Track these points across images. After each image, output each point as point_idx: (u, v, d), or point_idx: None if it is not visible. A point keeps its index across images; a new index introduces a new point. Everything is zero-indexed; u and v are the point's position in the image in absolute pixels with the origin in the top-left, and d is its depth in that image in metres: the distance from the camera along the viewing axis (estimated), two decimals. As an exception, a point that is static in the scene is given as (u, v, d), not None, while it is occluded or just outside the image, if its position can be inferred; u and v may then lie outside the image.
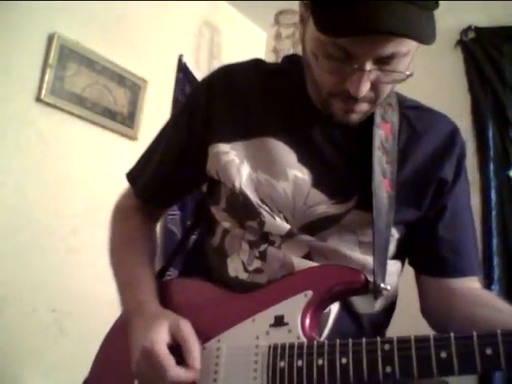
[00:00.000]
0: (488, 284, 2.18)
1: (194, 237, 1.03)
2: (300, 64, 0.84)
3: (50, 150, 2.03)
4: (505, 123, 2.32)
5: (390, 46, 0.68)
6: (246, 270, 0.82)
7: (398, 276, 0.88)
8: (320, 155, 0.82)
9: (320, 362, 0.66)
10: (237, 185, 0.82)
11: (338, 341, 0.66)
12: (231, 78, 0.90)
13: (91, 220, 2.12)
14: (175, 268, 1.05)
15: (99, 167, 2.20)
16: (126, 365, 0.79)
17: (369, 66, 0.69)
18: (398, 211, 0.80)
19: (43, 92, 2.00)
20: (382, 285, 0.75)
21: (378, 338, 0.64)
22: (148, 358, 0.72)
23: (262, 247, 0.81)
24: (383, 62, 0.70)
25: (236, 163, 0.83)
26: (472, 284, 0.85)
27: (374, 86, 0.73)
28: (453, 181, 0.85)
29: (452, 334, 0.60)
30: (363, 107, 0.77)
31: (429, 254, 0.86)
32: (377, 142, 0.81)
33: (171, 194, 1.01)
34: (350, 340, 0.65)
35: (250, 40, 3.21)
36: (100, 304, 2.10)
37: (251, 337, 0.74)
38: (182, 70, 2.63)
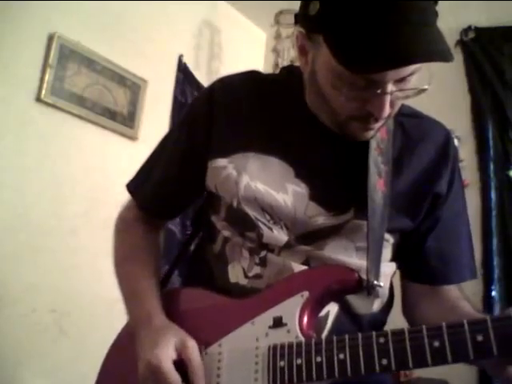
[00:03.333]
0: (488, 284, 2.18)
1: (194, 242, 1.04)
2: (298, 76, 0.86)
3: (50, 150, 2.03)
4: (505, 123, 2.32)
5: (410, 67, 0.71)
6: (246, 276, 0.84)
7: (391, 277, 0.91)
8: (317, 170, 0.84)
9: (318, 359, 0.68)
10: (234, 200, 0.84)
11: (334, 337, 0.68)
12: (230, 91, 0.91)
13: (91, 220, 2.12)
14: (178, 274, 1.05)
15: (99, 167, 2.20)
16: (132, 374, 0.80)
17: (390, 88, 0.72)
18: (393, 220, 0.83)
19: (43, 92, 2.00)
20: (376, 282, 0.77)
21: (373, 332, 0.66)
22: (154, 373, 0.74)
23: (262, 253, 0.83)
24: (402, 81, 0.73)
25: (233, 177, 0.84)
26: (455, 292, 0.88)
27: (392, 104, 0.75)
28: (447, 192, 0.87)
29: (444, 324, 0.62)
30: (380, 124, 0.79)
31: (418, 262, 0.89)
32: (373, 144, 0.83)
33: (174, 206, 1.02)
34: (347, 336, 0.67)
35: (250, 40, 3.21)
36: (99, 304, 2.10)
37: (251, 339, 0.75)
38: (182, 70, 2.63)
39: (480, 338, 0.59)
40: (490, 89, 2.37)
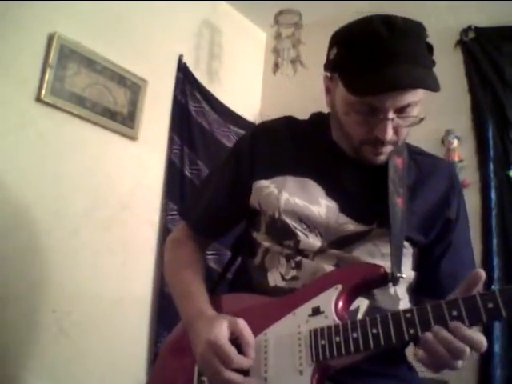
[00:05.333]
0: (488, 284, 2.18)
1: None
2: (325, 119, 1.07)
3: (50, 150, 2.03)
4: (505, 123, 2.32)
5: (406, 98, 0.88)
6: (283, 279, 0.97)
7: (410, 283, 1.03)
8: (344, 189, 1.00)
9: (355, 335, 0.79)
10: (276, 212, 1.00)
11: (367, 317, 0.80)
12: (269, 129, 1.13)
13: (91, 220, 2.13)
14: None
15: (99, 167, 2.20)
16: (184, 370, 0.94)
17: (391, 115, 0.89)
18: (410, 230, 0.96)
19: (43, 92, 2.00)
20: (398, 274, 0.90)
21: (400, 309, 0.79)
22: (213, 348, 0.85)
23: (298, 258, 0.97)
24: (401, 111, 0.90)
25: (275, 194, 1.01)
26: None
27: (396, 131, 0.92)
28: (456, 218, 1.02)
29: (459, 297, 0.74)
30: (388, 149, 0.96)
31: (433, 281, 1.02)
32: (391, 169, 0.99)
33: (221, 226, 1.18)
34: (378, 315, 0.79)
35: (250, 40, 3.21)
36: (100, 304, 2.10)
37: (293, 326, 0.87)
38: (182, 69, 2.63)
39: (490, 305, 0.71)
40: (490, 89, 2.36)
